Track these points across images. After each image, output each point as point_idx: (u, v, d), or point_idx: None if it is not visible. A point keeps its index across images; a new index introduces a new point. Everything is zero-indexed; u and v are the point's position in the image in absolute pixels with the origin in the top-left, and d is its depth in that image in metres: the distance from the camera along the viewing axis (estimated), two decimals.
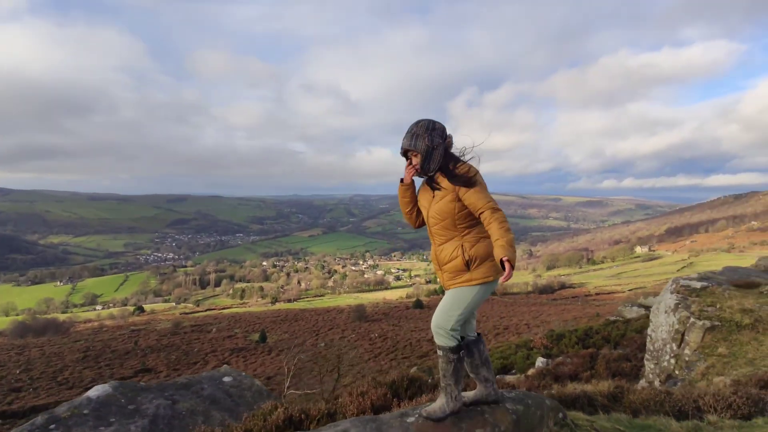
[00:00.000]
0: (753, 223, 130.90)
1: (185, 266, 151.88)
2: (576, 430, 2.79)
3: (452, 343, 2.46)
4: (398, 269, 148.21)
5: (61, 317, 66.44)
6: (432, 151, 2.43)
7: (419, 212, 2.67)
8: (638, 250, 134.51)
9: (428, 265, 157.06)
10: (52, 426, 3.14)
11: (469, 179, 2.38)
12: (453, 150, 2.55)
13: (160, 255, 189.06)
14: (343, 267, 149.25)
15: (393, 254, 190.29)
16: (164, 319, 62.44)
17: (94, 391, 3.60)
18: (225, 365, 5.45)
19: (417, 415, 2.60)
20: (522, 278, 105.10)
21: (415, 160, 2.48)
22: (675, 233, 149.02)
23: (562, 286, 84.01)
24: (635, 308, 17.39)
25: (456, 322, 2.44)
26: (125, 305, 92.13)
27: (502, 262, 2.18)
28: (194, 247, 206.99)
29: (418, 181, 2.70)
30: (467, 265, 2.42)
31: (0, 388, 28.76)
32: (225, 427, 3.26)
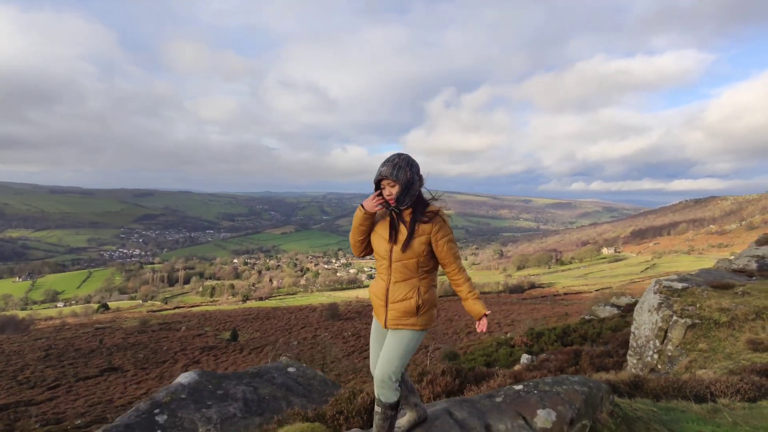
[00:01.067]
0: (711, 226, 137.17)
1: (152, 263, 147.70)
2: (622, 411, 3.15)
3: (396, 397, 2.46)
4: (371, 267, 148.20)
5: (21, 314, 63.48)
6: (411, 185, 2.40)
7: (368, 243, 2.58)
8: (605, 251, 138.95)
9: None
10: (157, 410, 3.38)
11: (449, 228, 2.45)
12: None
13: (125, 251, 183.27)
14: (316, 265, 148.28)
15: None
16: (130, 317, 60.57)
17: (184, 378, 3.88)
18: (283, 357, 5.80)
19: (503, 396, 3.01)
20: (493, 278, 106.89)
21: (391, 190, 2.41)
22: (639, 235, 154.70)
23: (532, 286, 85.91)
24: (608, 308, 17.96)
25: (402, 369, 2.45)
26: (88, 303, 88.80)
27: (483, 316, 2.44)
28: (162, 243, 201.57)
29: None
30: (417, 310, 2.44)
31: None
32: (317, 407, 3.61)
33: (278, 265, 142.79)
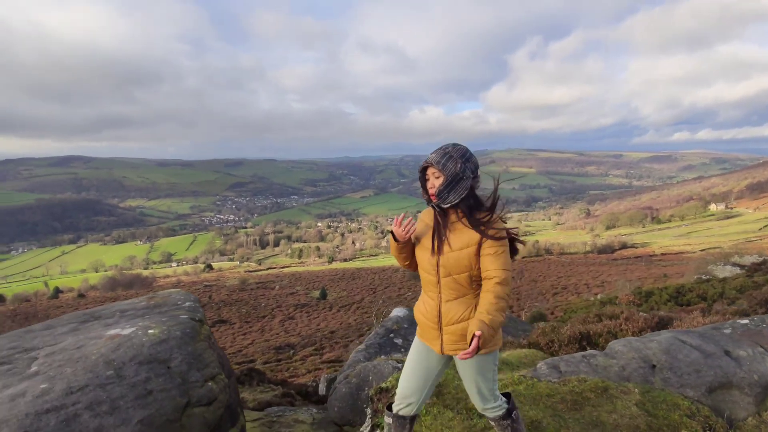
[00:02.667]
0: None
1: (245, 227, 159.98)
2: None
3: (504, 407, 2.23)
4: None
5: (144, 273, 73.19)
6: (459, 180, 1.99)
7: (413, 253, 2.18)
8: (713, 207, 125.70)
9: None
10: (391, 334, 4.31)
11: (501, 237, 1.99)
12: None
13: (222, 217, 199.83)
14: None
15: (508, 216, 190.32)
16: (231, 276, 67.15)
17: (400, 312, 4.87)
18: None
19: (731, 328, 3.16)
20: (579, 238, 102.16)
21: (435, 182, 2.03)
22: (757, 189, 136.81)
23: (623, 246, 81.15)
24: (729, 267, 16.83)
25: (493, 388, 2.19)
26: (196, 263, 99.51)
27: (474, 336, 1.85)
28: (252, 209, 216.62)
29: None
30: None
31: None
32: (525, 338, 4.32)
33: (360, 228, 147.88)
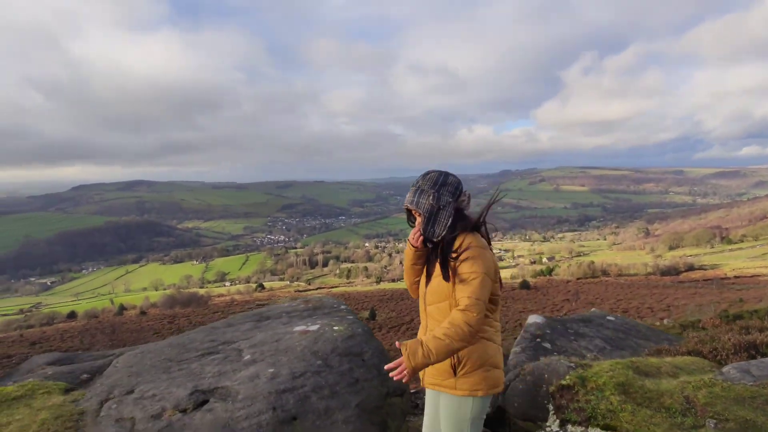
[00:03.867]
0: None
1: (295, 248, 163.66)
2: None
3: None
4: (500, 249, 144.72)
5: (200, 291, 76.16)
6: (436, 213, 1.90)
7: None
8: None
9: (532, 245, 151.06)
10: (538, 339, 4.41)
11: (465, 259, 1.83)
12: (470, 209, 2.03)
13: (273, 237, 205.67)
14: None
15: (494, 234, 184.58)
16: (282, 295, 68.43)
17: (538, 318, 4.95)
18: (593, 308, 6.88)
19: None
20: (638, 259, 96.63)
21: (417, 221, 1.97)
22: None
23: (690, 268, 75.84)
24: None
25: None
26: (248, 282, 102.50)
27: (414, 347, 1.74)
28: (302, 229, 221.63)
29: None
30: (454, 368, 1.88)
31: None
32: (679, 346, 4.32)
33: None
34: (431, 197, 1.92)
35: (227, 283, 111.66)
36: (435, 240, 1.95)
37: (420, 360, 1.69)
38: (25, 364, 4.39)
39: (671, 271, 73.09)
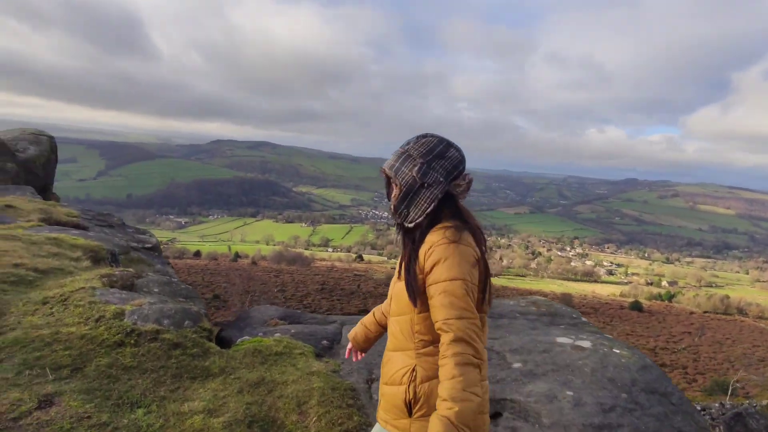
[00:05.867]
0: None
1: None
2: None
3: None
4: (611, 263, 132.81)
5: (305, 253, 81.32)
6: (417, 190, 1.40)
7: None
8: None
9: (650, 264, 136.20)
10: None
11: (453, 258, 1.31)
12: (466, 199, 1.51)
13: (377, 212, 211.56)
14: (548, 250, 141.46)
15: (607, 246, 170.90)
16: (378, 270, 70.25)
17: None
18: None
19: None
20: None
21: (392, 194, 1.47)
22: None
23: None
24: None
25: None
26: (349, 251, 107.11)
27: None
28: None
29: None
30: (408, 406, 1.39)
31: (264, 301, 37.21)
32: None
33: (509, 245, 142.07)
34: (416, 168, 1.39)
35: (330, 249, 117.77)
36: (407, 225, 1.43)
37: None
38: (255, 313, 4.48)
39: None
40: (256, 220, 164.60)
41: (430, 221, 1.40)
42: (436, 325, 1.30)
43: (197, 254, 66.40)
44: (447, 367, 1.23)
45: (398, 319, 1.44)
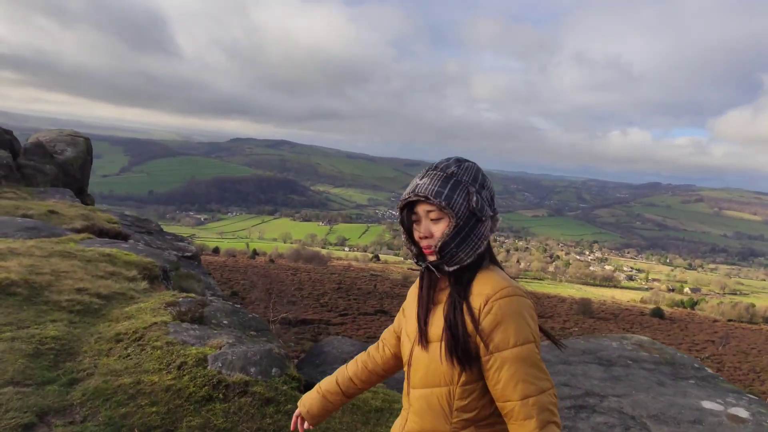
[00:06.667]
0: None
1: None
2: None
3: None
4: (631, 268, 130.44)
5: (322, 251, 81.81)
6: (474, 225, 1.09)
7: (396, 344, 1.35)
8: None
9: (672, 270, 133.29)
10: None
11: (525, 328, 1.02)
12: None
13: (394, 213, 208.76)
14: (567, 254, 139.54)
15: (627, 251, 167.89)
16: (395, 270, 70.25)
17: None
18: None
19: None
20: None
21: (433, 228, 1.11)
22: None
23: None
24: None
25: None
26: (365, 251, 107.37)
27: None
28: None
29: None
30: None
31: (282, 299, 37.53)
32: None
33: (527, 248, 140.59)
34: (474, 199, 1.09)
35: (346, 248, 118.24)
36: (448, 268, 1.10)
37: None
38: (329, 348, 4.11)
39: None
40: (274, 218, 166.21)
41: (475, 261, 1.11)
42: (507, 405, 1.01)
43: (216, 251, 67.38)
44: None
45: (428, 393, 1.10)
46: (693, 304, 69.08)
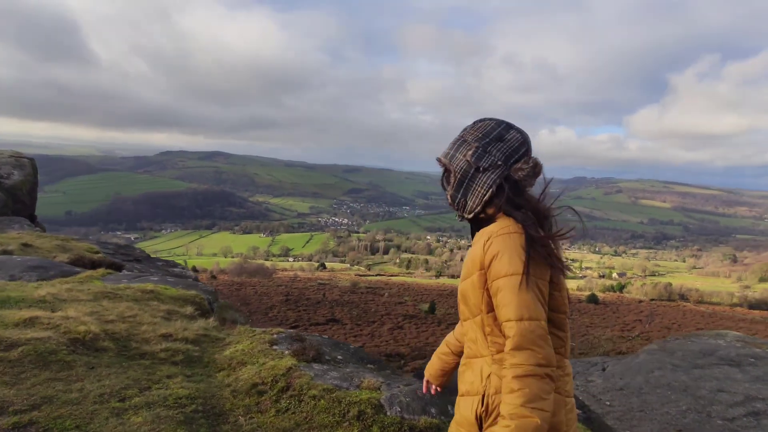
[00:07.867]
0: None
1: (358, 232, 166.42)
2: None
3: None
4: (566, 259, 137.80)
5: (266, 263, 79.75)
6: (472, 176, 1.27)
7: None
8: None
9: (601, 257, 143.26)
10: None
11: (512, 253, 1.19)
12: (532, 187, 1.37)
13: (337, 220, 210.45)
14: None
15: (561, 243, 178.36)
16: (343, 277, 69.95)
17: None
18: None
19: None
20: (723, 287, 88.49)
21: (448, 186, 1.36)
22: None
23: None
24: None
25: None
26: (310, 260, 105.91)
27: None
28: (365, 215, 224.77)
29: None
30: (479, 420, 1.24)
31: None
32: None
33: (469, 246, 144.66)
34: (471, 152, 1.26)
35: (291, 259, 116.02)
36: (466, 216, 1.34)
37: None
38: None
39: (762, 305, 66.13)
40: (212, 233, 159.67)
41: (482, 207, 1.29)
42: (503, 322, 1.17)
43: None
44: (505, 380, 1.12)
45: (471, 322, 1.30)
46: (621, 288, 74.70)
